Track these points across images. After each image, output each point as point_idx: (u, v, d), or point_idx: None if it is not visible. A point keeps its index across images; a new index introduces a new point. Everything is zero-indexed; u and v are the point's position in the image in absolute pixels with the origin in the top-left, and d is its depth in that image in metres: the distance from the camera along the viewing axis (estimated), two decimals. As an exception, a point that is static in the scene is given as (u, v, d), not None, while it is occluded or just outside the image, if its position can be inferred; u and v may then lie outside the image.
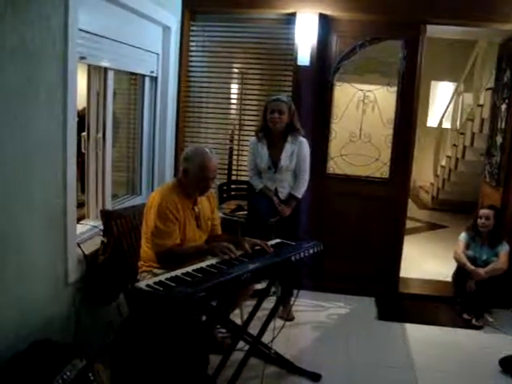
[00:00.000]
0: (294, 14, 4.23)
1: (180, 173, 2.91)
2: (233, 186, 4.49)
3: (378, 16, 4.19)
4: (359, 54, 4.33)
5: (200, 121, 4.65)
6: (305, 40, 4.22)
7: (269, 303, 3.20)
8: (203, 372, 2.75)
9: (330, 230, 4.33)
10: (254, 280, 2.69)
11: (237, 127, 4.60)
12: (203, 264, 2.61)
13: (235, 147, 4.59)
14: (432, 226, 7.41)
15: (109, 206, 3.54)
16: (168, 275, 2.44)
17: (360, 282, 4.52)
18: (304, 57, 4.26)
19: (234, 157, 4.59)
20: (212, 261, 2.67)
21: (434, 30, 4.35)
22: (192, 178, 2.84)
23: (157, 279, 2.40)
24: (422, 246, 6.24)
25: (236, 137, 4.60)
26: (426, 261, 5.55)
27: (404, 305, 4.40)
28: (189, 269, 2.53)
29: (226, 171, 4.53)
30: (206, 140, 4.60)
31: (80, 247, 2.96)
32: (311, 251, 2.92)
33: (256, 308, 2.98)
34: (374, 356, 3.49)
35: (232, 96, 4.67)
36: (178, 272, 2.49)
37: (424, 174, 9.06)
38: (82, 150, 3.25)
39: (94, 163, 3.40)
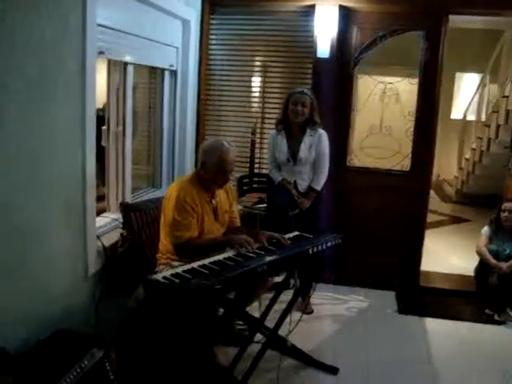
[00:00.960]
0: (313, 6, 4.20)
1: (198, 166, 2.93)
2: (254, 179, 4.50)
3: (398, 7, 4.13)
4: (380, 46, 4.27)
5: (221, 114, 4.66)
6: (324, 32, 4.19)
7: (288, 296, 3.20)
8: (213, 364, 2.78)
9: (350, 222, 4.27)
10: (270, 272, 2.69)
11: (259, 120, 4.59)
12: (220, 256, 2.63)
13: (257, 140, 4.59)
14: (455, 220, 7.30)
15: (129, 199, 3.57)
16: (185, 267, 2.47)
17: (380, 276, 4.48)
18: (324, 49, 4.22)
19: (256, 149, 4.58)
20: (229, 253, 2.69)
21: (456, 20, 4.28)
22: (210, 170, 2.85)
23: (173, 271, 2.42)
24: (445, 239, 6.15)
25: (258, 130, 4.59)
26: (448, 255, 5.48)
27: (425, 299, 4.35)
28: (206, 261, 2.56)
29: (247, 164, 4.53)
30: (227, 133, 4.60)
31: (100, 239, 3.00)
32: (329, 244, 2.92)
33: (273, 300, 2.99)
34: (394, 350, 3.47)
35: (253, 89, 4.66)
36: (195, 264, 2.51)
37: (448, 167, 8.93)
38: (102, 144, 3.28)
39: (114, 157, 3.44)
